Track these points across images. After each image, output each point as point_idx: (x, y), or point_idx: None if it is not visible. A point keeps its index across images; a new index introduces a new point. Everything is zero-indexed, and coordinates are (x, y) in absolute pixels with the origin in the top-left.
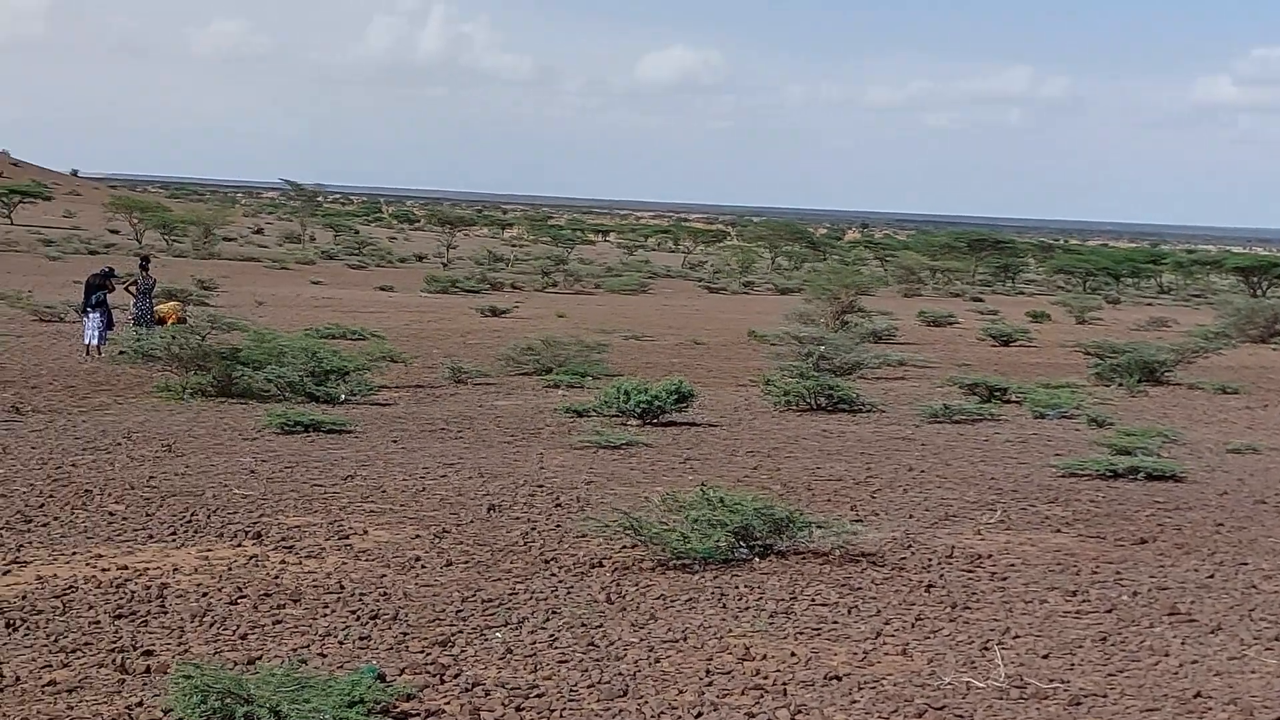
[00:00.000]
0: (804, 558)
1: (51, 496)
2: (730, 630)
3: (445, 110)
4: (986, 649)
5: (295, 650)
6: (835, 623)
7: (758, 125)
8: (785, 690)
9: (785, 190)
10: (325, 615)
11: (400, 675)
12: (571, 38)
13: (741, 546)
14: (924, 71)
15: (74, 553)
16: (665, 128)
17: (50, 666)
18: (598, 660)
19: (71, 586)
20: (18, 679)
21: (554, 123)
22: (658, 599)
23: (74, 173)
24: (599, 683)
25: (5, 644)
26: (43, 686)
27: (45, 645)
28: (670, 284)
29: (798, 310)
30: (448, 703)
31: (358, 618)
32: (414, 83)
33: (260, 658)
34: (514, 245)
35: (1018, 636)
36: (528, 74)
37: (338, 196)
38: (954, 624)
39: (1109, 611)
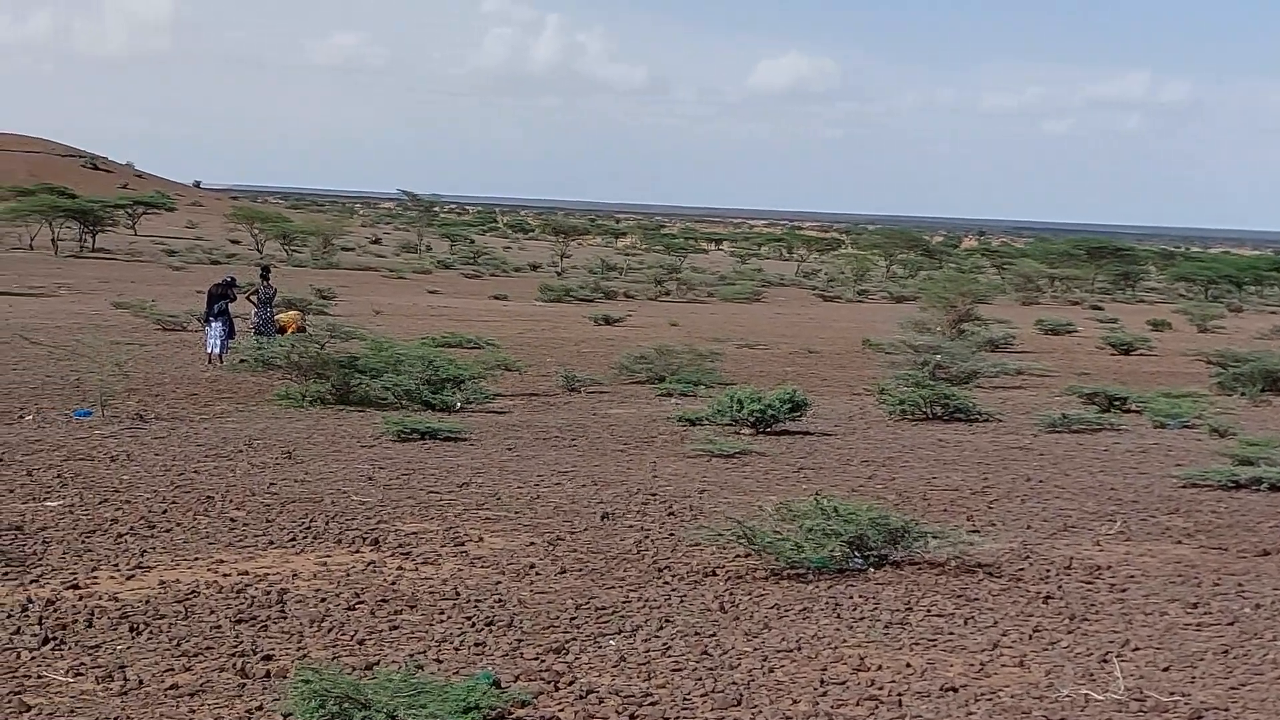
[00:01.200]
0: (919, 568)
1: (174, 502)
2: (845, 640)
3: (559, 120)
4: (1105, 661)
5: (412, 655)
6: (951, 634)
7: (872, 132)
8: (900, 701)
9: (900, 197)
10: (441, 621)
11: (515, 681)
12: (684, 47)
13: (856, 556)
14: (1040, 77)
15: (196, 558)
16: (778, 135)
17: (173, 670)
18: (711, 669)
19: (194, 591)
20: (141, 682)
21: (667, 131)
22: (771, 608)
23: (197, 184)
24: (713, 691)
25: (129, 648)
26: (165, 690)
27: (168, 649)
28: (784, 292)
29: (913, 318)
30: (562, 710)
31: (473, 624)
32: (528, 93)
33: (378, 663)
34: (627, 254)
35: (1137, 649)
36: (641, 83)
37: (453, 206)
38: (1072, 636)
39: (1231, 624)
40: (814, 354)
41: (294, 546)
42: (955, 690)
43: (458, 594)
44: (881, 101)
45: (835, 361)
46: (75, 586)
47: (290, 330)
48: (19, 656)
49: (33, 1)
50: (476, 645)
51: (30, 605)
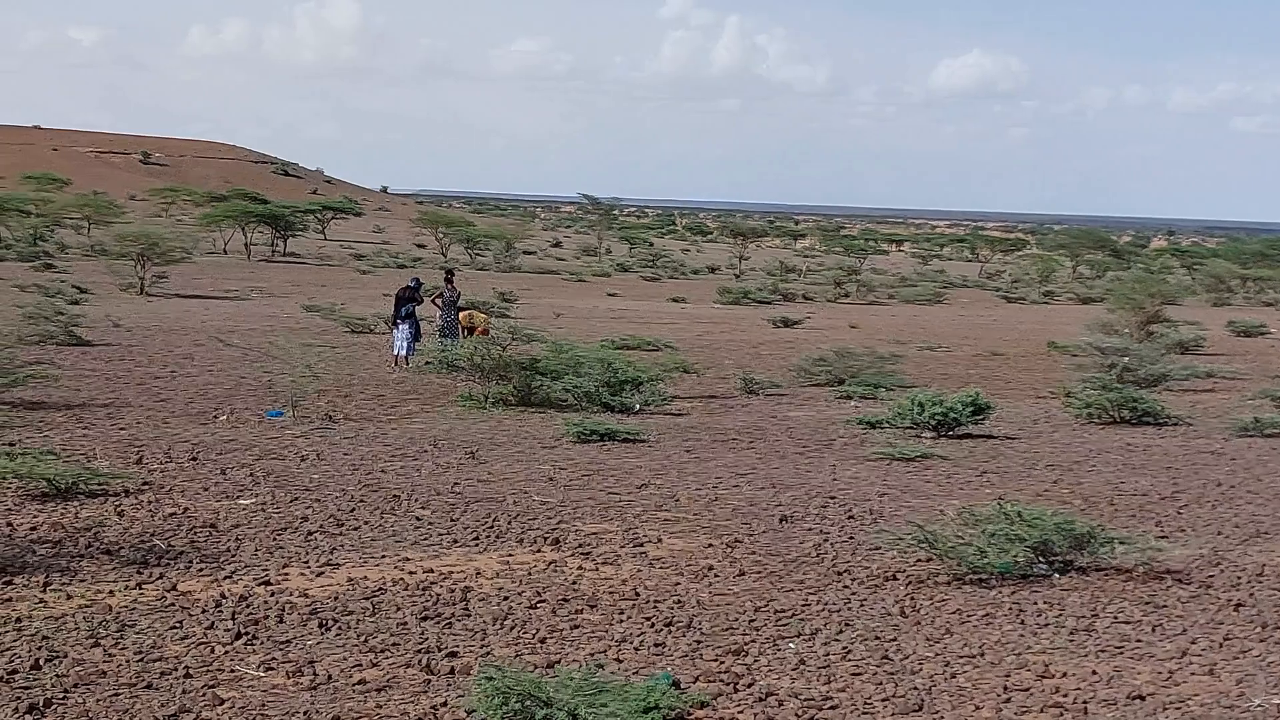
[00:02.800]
0: (1105, 574)
1: (362, 501)
2: (1029, 647)
3: (738, 123)
4: None
5: (592, 655)
6: (1138, 641)
7: (1058, 131)
8: (1086, 709)
9: (1087, 197)
10: (621, 621)
11: (694, 683)
12: (865, 47)
13: (1040, 562)
14: (1231, 73)
15: (383, 556)
16: (961, 135)
17: (360, 666)
18: (892, 674)
19: (381, 588)
20: (330, 677)
21: (847, 132)
22: (953, 614)
23: (384, 189)
24: (893, 696)
25: (319, 643)
26: (353, 685)
27: (356, 645)
28: (966, 294)
29: (1100, 320)
30: (741, 712)
31: (652, 624)
32: (708, 96)
33: (559, 661)
34: (806, 256)
35: None
36: (821, 84)
37: (633, 210)
38: (1264, 644)
39: None
40: (997, 356)
41: (477, 545)
42: (1142, 698)
43: (637, 594)
44: (1068, 99)
45: (1019, 364)
46: (267, 583)
47: (480, 332)
48: (213, 650)
49: (228, 13)
50: (656, 646)
51: (224, 601)
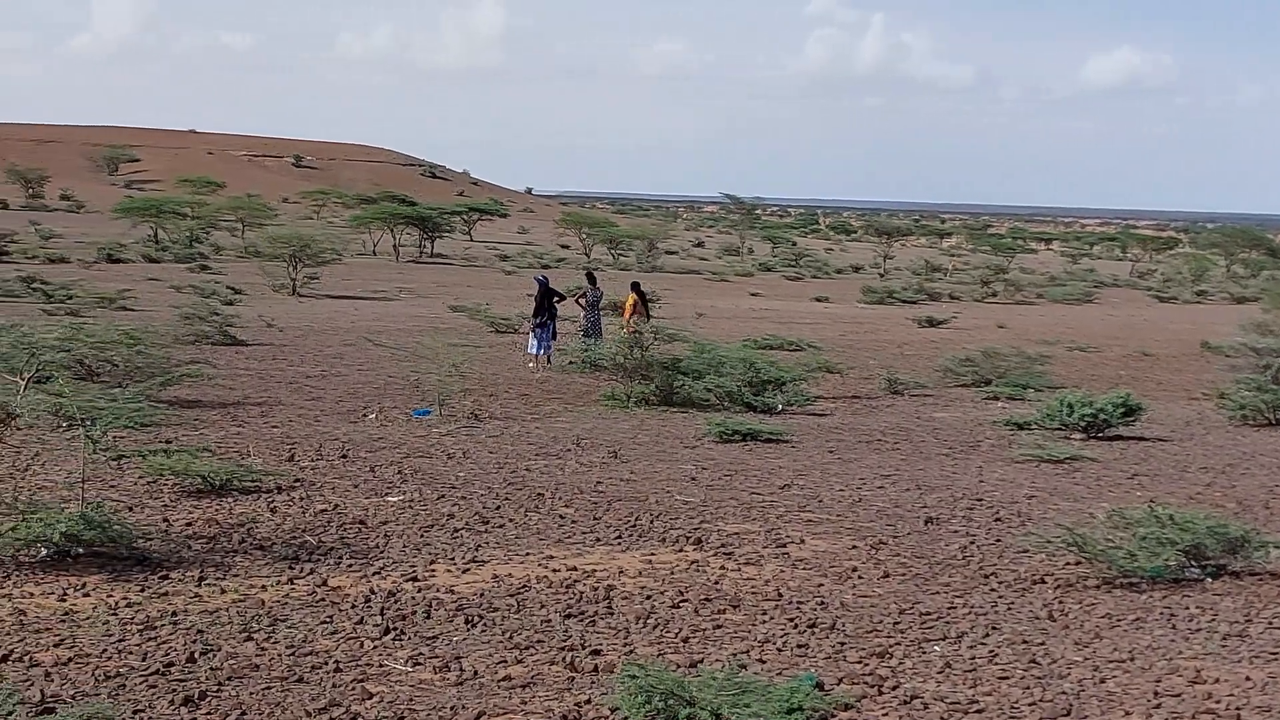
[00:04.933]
0: (1260, 579)
1: (507, 499)
2: (1180, 652)
3: (882, 121)
4: None
5: (735, 655)
6: None
7: (1210, 127)
8: (1239, 716)
9: (1242, 194)
10: (764, 622)
11: (838, 684)
12: (1011, 44)
13: (1192, 566)
14: None
15: (528, 553)
16: (1110, 132)
17: (505, 662)
18: (1040, 678)
19: (525, 586)
20: (476, 673)
21: (993, 130)
22: (1103, 618)
23: (528, 191)
24: (1041, 700)
25: (465, 639)
26: (499, 681)
27: (501, 641)
28: (1117, 293)
29: (1255, 320)
30: (885, 714)
31: (795, 625)
32: (851, 94)
33: (701, 661)
34: (952, 255)
35: None
36: (966, 81)
37: (775, 209)
38: None
39: None
40: (1149, 357)
41: (620, 544)
42: None
43: (780, 595)
44: (1220, 95)
45: (1171, 365)
46: (414, 579)
47: (627, 310)
48: (362, 645)
49: (376, 18)
50: (799, 647)
51: (373, 596)
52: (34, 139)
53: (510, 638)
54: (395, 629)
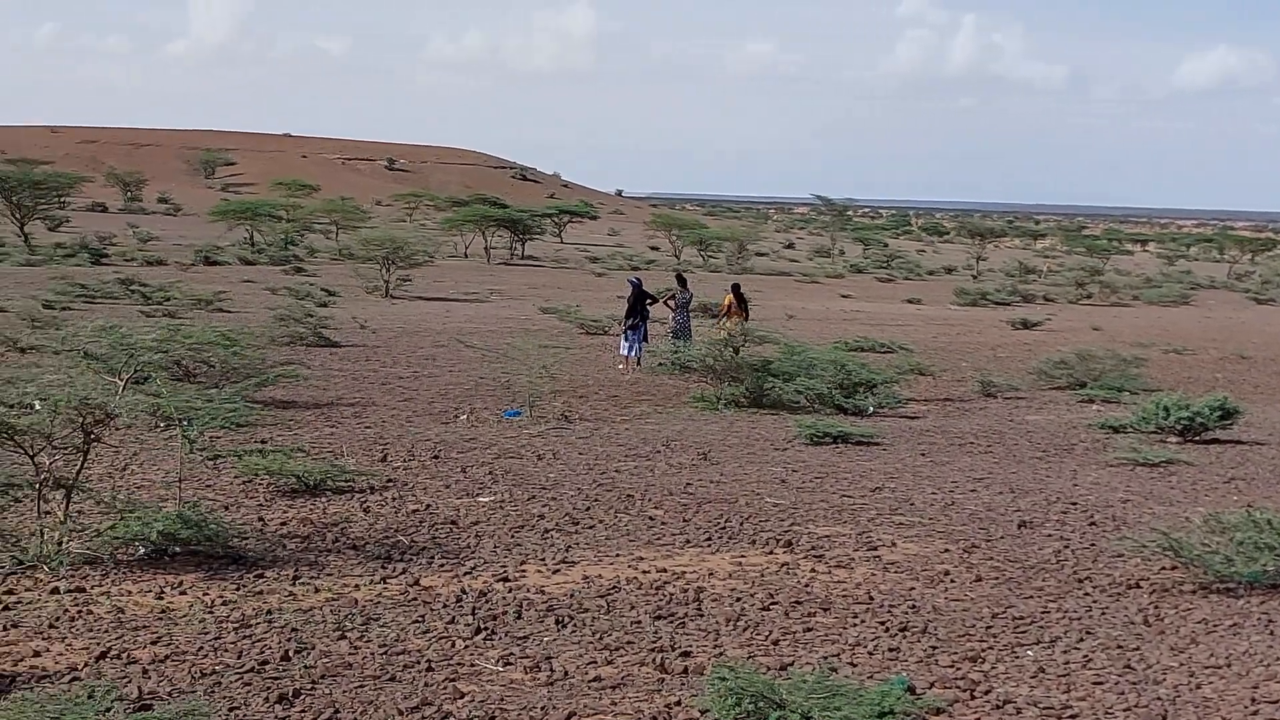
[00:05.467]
0: None
1: (597, 500)
2: (1278, 658)
3: (975, 121)
4: None
5: (826, 658)
6: None
7: None
8: None
9: None
10: (855, 625)
11: (930, 688)
12: (1105, 44)
13: None
14: None
15: (617, 554)
16: (1206, 132)
17: (596, 663)
18: (1134, 683)
19: (615, 587)
20: (566, 673)
21: (1087, 131)
22: (1199, 623)
23: (618, 193)
24: (1136, 706)
25: (555, 639)
26: (589, 681)
27: (591, 642)
28: (1214, 295)
29: None
30: (978, 719)
31: (887, 629)
32: (943, 95)
33: (792, 663)
34: (1046, 256)
35: None
36: (1059, 82)
37: (867, 210)
38: None
39: None
40: (1246, 360)
41: (710, 546)
42: None
43: (871, 598)
44: None
45: (1270, 368)
46: (505, 579)
47: (722, 314)
48: (453, 645)
49: (468, 21)
50: (890, 650)
51: (464, 596)
52: (132, 143)
53: (600, 638)
54: (486, 629)
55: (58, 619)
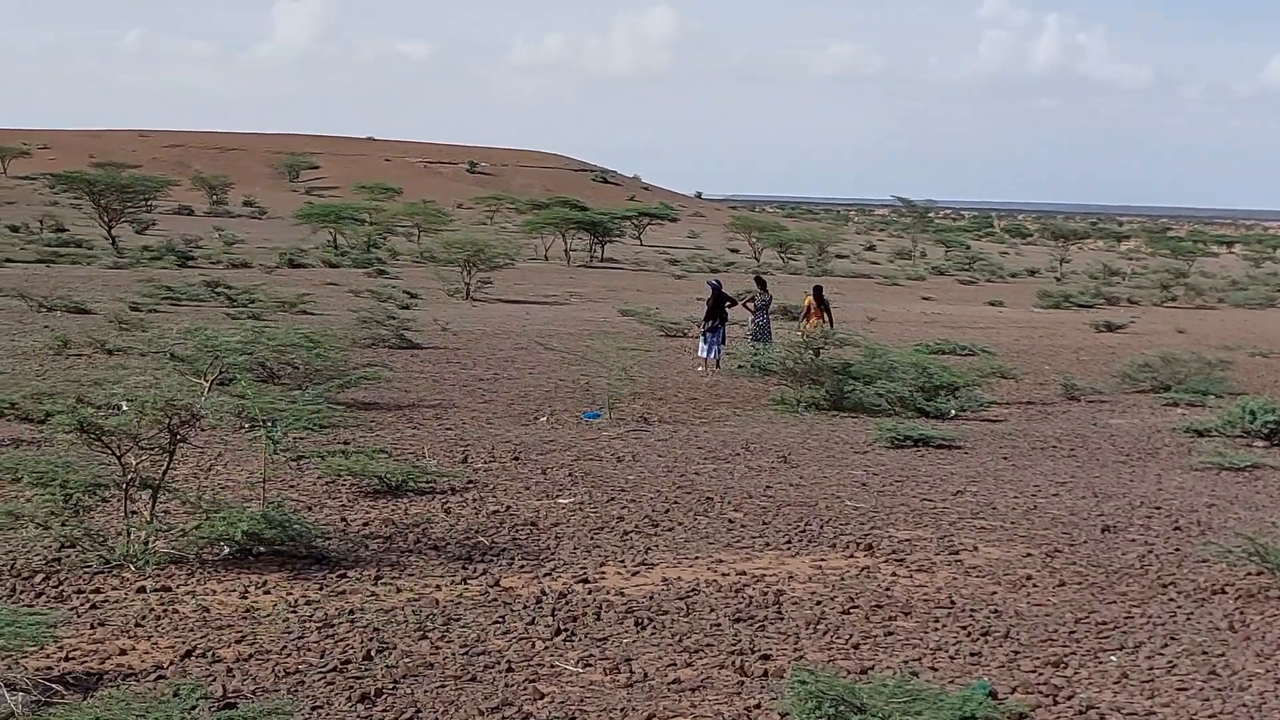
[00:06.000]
0: None
1: (676, 503)
2: None
3: (1058, 122)
4: None
5: (906, 662)
6: None
7: None
8: None
9: None
10: (936, 629)
11: (1012, 694)
12: (1191, 44)
13: None
14: None
15: (697, 557)
16: None
17: (675, 665)
18: (1219, 690)
19: (694, 589)
20: (645, 675)
21: (1172, 131)
22: None
23: (698, 195)
24: (1221, 713)
25: (635, 641)
26: (668, 684)
27: (670, 644)
28: None
29: None
30: None
31: (968, 633)
32: (1026, 95)
33: (873, 667)
34: (1130, 258)
35: None
36: (1144, 82)
37: (948, 212)
38: None
39: None
40: None
41: (789, 549)
42: None
43: (953, 603)
44: None
45: None
46: (585, 580)
47: (805, 312)
48: (533, 646)
49: (548, 25)
50: (972, 655)
51: (544, 597)
52: (218, 147)
53: (680, 641)
54: (566, 630)
55: (144, 618)
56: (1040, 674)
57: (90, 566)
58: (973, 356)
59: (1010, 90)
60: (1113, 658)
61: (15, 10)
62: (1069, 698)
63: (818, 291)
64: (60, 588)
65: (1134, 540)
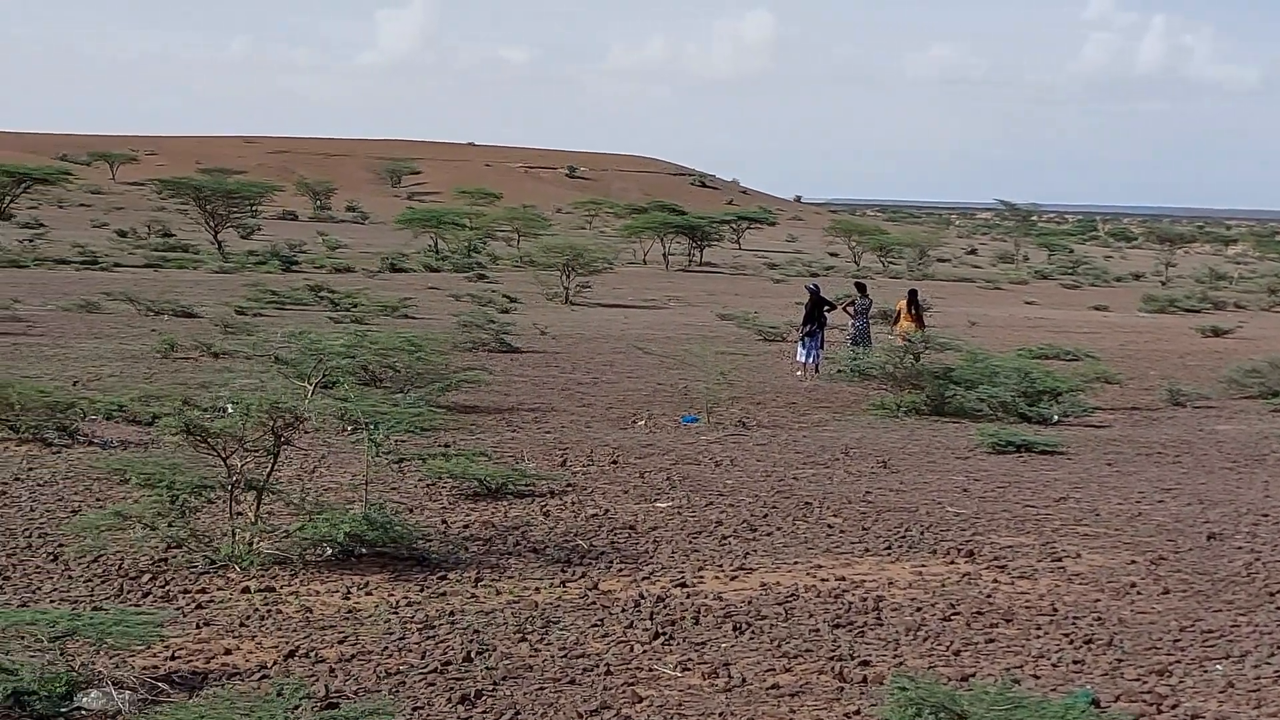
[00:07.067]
0: None
1: (775, 507)
2: None
3: (1164, 124)
4: None
5: (1008, 670)
6: None
7: None
8: None
9: None
10: (1038, 637)
11: (1115, 702)
12: None
13: None
14: None
15: (795, 562)
16: None
17: (774, 670)
18: None
19: (793, 594)
20: (744, 680)
21: None
22: None
23: (797, 199)
24: None
25: (733, 646)
26: (767, 689)
27: (769, 649)
28: None
29: None
30: None
31: (1071, 641)
32: (1131, 97)
33: (973, 675)
34: (1238, 262)
35: None
36: (1253, 83)
37: (1052, 215)
38: None
39: None
40: None
41: (889, 555)
42: None
43: (1055, 610)
44: None
45: None
46: (683, 585)
47: (896, 315)
48: (632, 649)
49: (647, 30)
50: (1075, 663)
51: (642, 601)
52: (322, 152)
53: (778, 646)
54: (664, 634)
55: (248, 618)
56: (1144, 683)
57: (196, 567)
58: (1076, 361)
59: (1115, 92)
60: (1218, 667)
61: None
62: (1173, 707)
63: (912, 295)
64: (167, 588)
65: (1240, 548)
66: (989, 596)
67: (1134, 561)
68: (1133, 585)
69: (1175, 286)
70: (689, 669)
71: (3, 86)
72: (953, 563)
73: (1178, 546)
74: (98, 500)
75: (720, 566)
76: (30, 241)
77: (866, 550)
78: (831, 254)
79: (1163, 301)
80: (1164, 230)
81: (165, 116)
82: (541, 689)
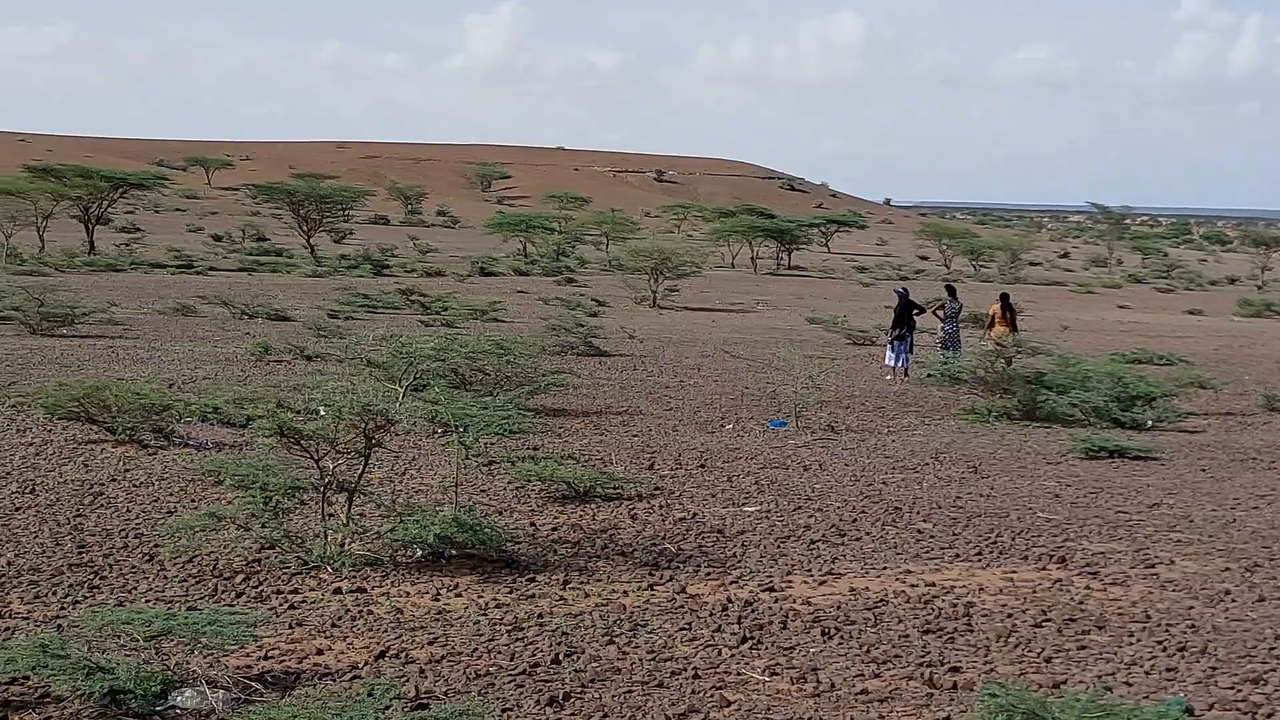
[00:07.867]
0: None
1: (863, 512)
2: None
3: (1259, 126)
4: None
5: (1100, 677)
6: None
7: None
8: None
9: None
10: (1130, 644)
11: (1209, 710)
12: None
13: None
14: None
15: (884, 567)
16: None
17: (863, 675)
18: None
19: (882, 600)
20: (833, 685)
21: None
22: None
23: (887, 202)
24: None
25: (821, 651)
26: (855, 694)
27: (858, 655)
28: None
29: None
30: None
31: (1164, 648)
32: (1225, 99)
33: (1064, 681)
34: None
35: None
36: None
37: (1145, 218)
38: None
39: None
40: None
41: (980, 561)
42: None
43: (1148, 617)
44: None
45: None
46: (771, 589)
47: (989, 320)
48: (719, 653)
49: (735, 32)
50: (1167, 670)
51: (730, 605)
52: (412, 157)
53: (867, 651)
54: (752, 638)
55: (340, 618)
56: (1238, 690)
57: (289, 568)
58: (1170, 366)
59: (1209, 94)
60: None
61: (220, 28)
62: (1269, 715)
63: (1004, 299)
64: (260, 588)
65: None
66: (1081, 603)
67: (1228, 568)
68: (1227, 592)
69: (1271, 290)
70: (777, 674)
71: (103, 94)
72: (1044, 569)
73: (1273, 553)
74: (192, 501)
75: (808, 571)
76: (127, 246)
77: (956, 556)
78: (922, 257)
79: (1258, 305)
80: (1259, 233)
81: (259, 122)
82: (629, 692)
